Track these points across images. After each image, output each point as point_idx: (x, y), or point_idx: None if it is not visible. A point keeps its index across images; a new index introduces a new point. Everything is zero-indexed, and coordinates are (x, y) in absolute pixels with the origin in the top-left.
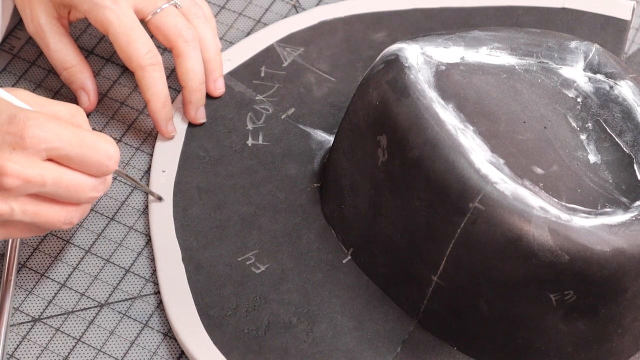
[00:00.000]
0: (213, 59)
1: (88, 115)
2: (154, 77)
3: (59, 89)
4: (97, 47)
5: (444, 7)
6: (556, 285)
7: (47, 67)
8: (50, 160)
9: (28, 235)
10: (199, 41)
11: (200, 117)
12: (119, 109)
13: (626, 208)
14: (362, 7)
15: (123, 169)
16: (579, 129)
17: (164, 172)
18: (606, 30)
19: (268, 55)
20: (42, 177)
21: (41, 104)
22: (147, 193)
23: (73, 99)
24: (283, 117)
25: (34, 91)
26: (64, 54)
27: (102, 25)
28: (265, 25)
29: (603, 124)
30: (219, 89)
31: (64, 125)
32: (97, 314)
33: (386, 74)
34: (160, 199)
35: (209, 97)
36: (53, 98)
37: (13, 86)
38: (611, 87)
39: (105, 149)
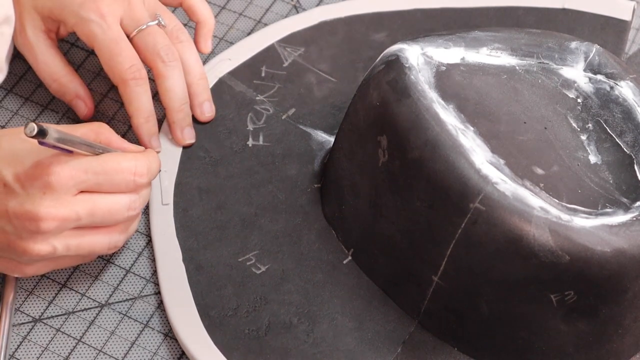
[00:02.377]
0: (196, 83)
1: (88, 119)
2: (136, 91)
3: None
4: None
5: (444, 7)
6: (556, 286)
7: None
8: (81, 191)
9: (77, 263)
10: (179, 62)
11: (187, 137)
12: (119, 109)
13: (626, 208)
14: (362, 7)
15: None
16: (579, 129)
17: (164, 172)
18: (606, 31)
19: (268, 55)
20: (76, 212)
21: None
22: None
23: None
24: (283, 117)
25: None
26: (52, 64)
27: (88, 39)
28: (266, 25)
29: (603, 124)
30: (205, 113)
31: (84, 158)
32: (97, 314)
33: (386, 74)
34: None
35: None
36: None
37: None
38: (611, 88)
39: (128, 166)
